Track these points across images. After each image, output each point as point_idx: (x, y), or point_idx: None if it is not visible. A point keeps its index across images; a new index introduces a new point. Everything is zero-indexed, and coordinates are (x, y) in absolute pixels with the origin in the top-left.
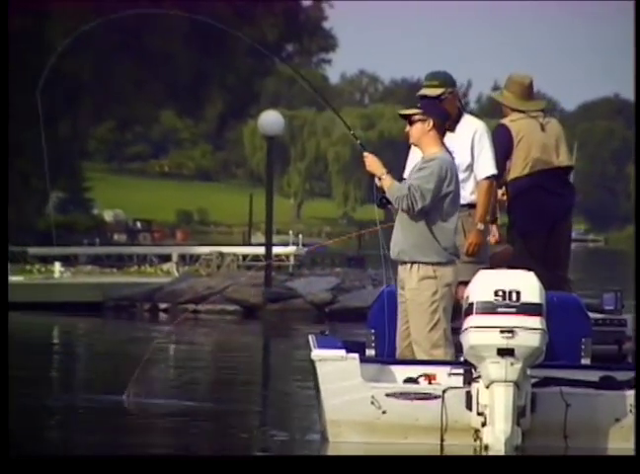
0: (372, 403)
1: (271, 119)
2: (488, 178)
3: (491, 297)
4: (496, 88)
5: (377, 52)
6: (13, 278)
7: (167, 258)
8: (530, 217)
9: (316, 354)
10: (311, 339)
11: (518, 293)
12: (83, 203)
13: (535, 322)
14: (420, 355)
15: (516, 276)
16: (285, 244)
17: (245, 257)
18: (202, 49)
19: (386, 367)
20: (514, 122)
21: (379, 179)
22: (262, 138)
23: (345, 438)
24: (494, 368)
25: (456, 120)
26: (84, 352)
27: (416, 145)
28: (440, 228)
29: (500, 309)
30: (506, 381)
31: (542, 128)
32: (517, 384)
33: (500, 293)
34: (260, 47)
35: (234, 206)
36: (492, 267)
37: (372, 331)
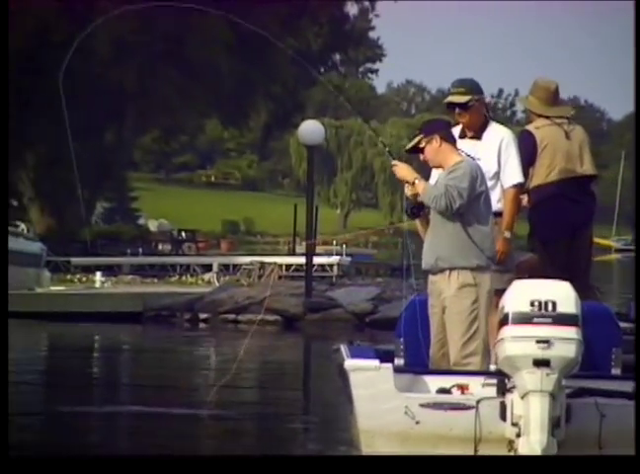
0: (406, 413)
1: (311, 129)
2: (515, 186)
3: (527, 307)
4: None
5: (424, 62)
6: (53, 288)
7: (209, 268)
8: (552, 225)
9: (350, 363)
10: (343, 348)
11: (554, 303)
12: (129, 213)
13: (571, 332)
14: (456, 365)
15: (551, 286)
16: (329, 254)
17: (289, 267)
18: (246, 59)
19: (419, 377)
20: (538, 129)
21: (412, 184)
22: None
23: (377, 448)
24: (530, 379)
25: (483, 128)
26: (122, 359)
27: (437, 166)
28: (477, 231)
29: (536, 319)
30: (542, 392)
31: (567, 136)
32: (552, 395)
33: (536, 303)
34: (300, 58)
35: (280, 216)
36: (517, 275)
37: (401, 340)
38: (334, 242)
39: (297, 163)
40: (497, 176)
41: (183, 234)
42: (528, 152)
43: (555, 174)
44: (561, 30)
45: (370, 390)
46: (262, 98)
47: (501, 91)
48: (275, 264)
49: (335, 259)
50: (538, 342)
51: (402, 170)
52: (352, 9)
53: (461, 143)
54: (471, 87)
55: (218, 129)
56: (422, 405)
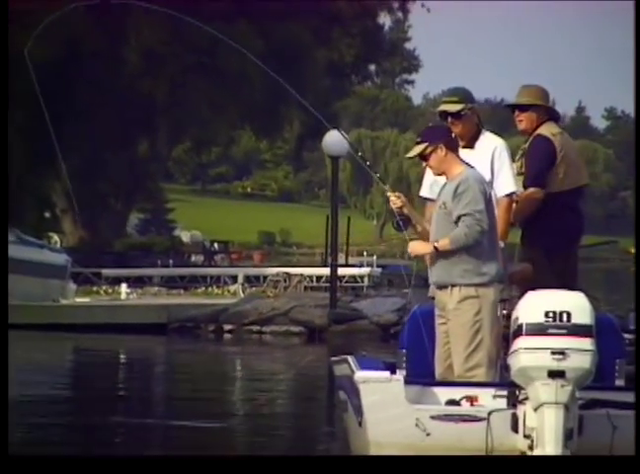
0: (417, 425)
1: (335, 139)
2: (508, 195)
3: (541, 318)
4: (580, 108)
5: (460, 73)
6: (78, 300)
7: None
8: (555, 236)
9: (360, 375)
10: (351, 360)
11: (568, 314)
12: (165, 225)
13: (586, 343)
14: (460, 378)
15: (566, 296)
16: (361, 265)
17: (319, 278)
18: (277, 70)
19: (427, 389)
20: (555, 136)
21: (437, 251)
22: (343, 159)
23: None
24: (544, 390)
25: (475, 138)
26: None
27: (440, 174)
28: (479, 247)
29: (550, 330)
30: (556, 403)
31: (574, 145)
32: (566, 406)
33: (550, 314)
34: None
35: (316, 227)
36: (511, 285)
37: (404, 351)
38: (364, 253)
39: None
40: (490, 185)
41: (215, 245)
42: (549, 158)
43: (565, 184)
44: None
45: (381, 402)
46: (294, 109)
47: None
48: (300, 275)
49: (366, 270)
50: (553, 353)
51: (417, 247)
52: (384, 20)
53: None
54: (464, 96)
55: (254, 141)
56: (433, 417)
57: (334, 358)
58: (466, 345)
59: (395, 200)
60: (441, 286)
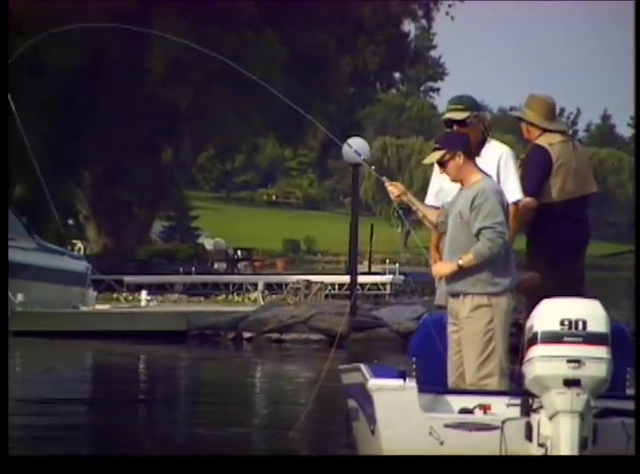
0: (431, 434)
1: (355, 146)
2: (514, 203)
3: (556, 327)
4: (606, 116)
5: (485, 81)
6: (98, 307)
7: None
8: (557, 245)
9: (373, 383)
10: (364, 368)
11: (584, 323)
12: (189, 232)
13: (602, 352)
14: (472, 387)
15: (581, 304)
16: (384, 273)
17: (342, 286)
18: (302, 78)
19: (440, 397)
20: (552, 146)
21: (461, 268)
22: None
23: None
24: (559, 399)
25: (481, 145)
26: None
27: (457, 181)
28: (493, 257)
29: (566, 338)
30: (572, 412)
31: (576, 154)
32: (581, 415)
33: (566, 323)
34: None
35: (341, 235)
36: (519, 294)
37: (414, 359)
38: (386, 261)
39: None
40: None
41: (239, 253)
42: (545, 168)
43: (565, 194)
44: None
45: (394, 410)
46: (318, 117)
47: (562, 109)
48: (321, 283)
49: (388, 278)
50: (569, 361)
51: (441, 269)
52: (409, 27)
53: None
54: (469, 104)
55: (279, 148)
56: (446, 425)
57: (342, 367)
58: (478, 353)
59: (393, 190)
60: (454, 295)
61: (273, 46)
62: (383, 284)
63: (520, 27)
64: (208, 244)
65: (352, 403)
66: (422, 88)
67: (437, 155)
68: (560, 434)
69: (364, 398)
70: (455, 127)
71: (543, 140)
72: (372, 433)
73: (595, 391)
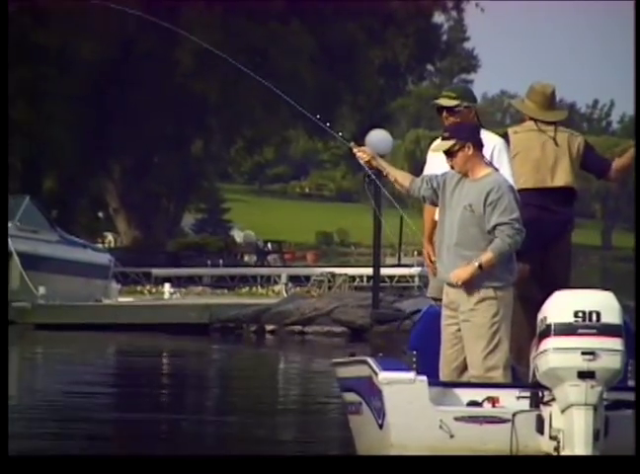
0: (441, 427)
1: (378, 138)
2: None
3: (570, 318)
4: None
5: (519, 72)
6: (121, 300)
7: (292, 279)
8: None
9: (384, 376)
10: (372, 361)
11: (598, 314)
12: (220, 224)
13: (616, 343)
14: (478, 378)
15: (595, 296)
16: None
17: (370, 278)
18: (331, 70)
19: (449, 390)
20: (516, 134)
21: (480, 269)
22: (403, 159)
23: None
24: (573, 391)
25: None
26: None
27: (464, 172)
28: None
29: (580, 330)
30: (586, 405)
31: (543, 145)
32: (595, 407)
33: (580, 314)
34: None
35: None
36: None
37: (414, 352)
38: (415, 253)
39: None
40: None
41: (269, 245)
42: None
43: (522, 183)
44: None
45: (405, 404)
46: (348, 109)
47: (596, 101)
48: (345, 275)
49: (416, 270)
50: (584, 353)
51: (461, 275)
52: (439, 19)
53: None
54: (462, 93)
55: (311, 141)
56: (457, 418)
57: (336, 360)
58: (484, 345)
59: (362, 155)
60: (457, 286)
61: (301, 38)
62: (412, 277)
63: (549, 18)
64: (238, 236)
65: (351, 397)
66: (455, 80)
67: (446, 144)
68: (574, 427)
69: (371, 391)
70: (444, 114)
71: (512, 128)
72: (381, 427)
73: (608, 383)
